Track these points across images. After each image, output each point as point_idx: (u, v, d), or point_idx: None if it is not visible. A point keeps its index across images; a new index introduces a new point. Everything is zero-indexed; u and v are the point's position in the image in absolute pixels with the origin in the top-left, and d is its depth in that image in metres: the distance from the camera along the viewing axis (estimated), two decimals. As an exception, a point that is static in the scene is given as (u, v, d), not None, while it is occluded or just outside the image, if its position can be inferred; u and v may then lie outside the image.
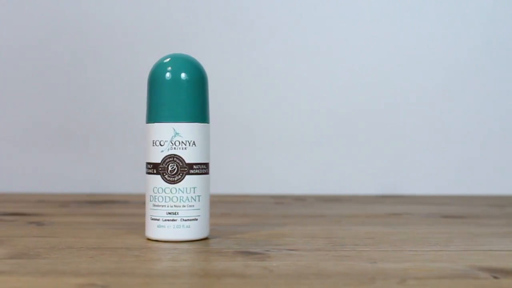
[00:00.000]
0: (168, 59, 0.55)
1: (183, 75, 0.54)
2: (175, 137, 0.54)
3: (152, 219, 0.54)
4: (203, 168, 0.55)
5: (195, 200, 0.54)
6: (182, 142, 0.54)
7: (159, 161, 0.54)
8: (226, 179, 0.97)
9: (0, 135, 1.02)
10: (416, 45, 1.01)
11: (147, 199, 0.55)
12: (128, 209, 0.80)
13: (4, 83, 1.03)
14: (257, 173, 1.01)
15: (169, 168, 0.54)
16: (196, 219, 0.54)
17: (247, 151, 1.01)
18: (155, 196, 0.54)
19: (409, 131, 1.01)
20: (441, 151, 1.01)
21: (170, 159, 0.54)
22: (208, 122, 0.56)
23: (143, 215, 0.73)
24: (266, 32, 1.02)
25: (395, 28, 1.02)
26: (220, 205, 0.79)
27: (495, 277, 0.40)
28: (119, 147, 1.02)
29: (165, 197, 0.54)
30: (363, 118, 1.01)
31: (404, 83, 1.02)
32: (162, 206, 0.54)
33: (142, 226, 0.62)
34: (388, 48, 1.02)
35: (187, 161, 0.54)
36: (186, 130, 0.54)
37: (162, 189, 0.54)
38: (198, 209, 0.54)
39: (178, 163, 0.54)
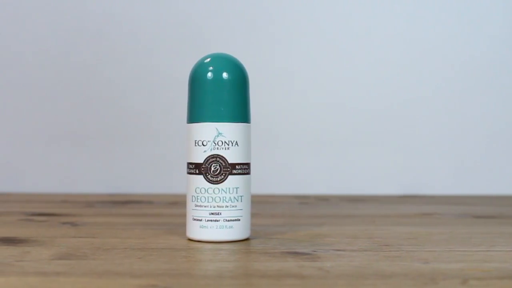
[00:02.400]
0: (208, 59, 0.55)
1: (226, 75, 0.54)
2: (218, 137, 0.53)
3: (194, 219, 0.54)
4: (245, 168, 0.55)
5: (237, 201, 0.54)
6: (225, 142, 0.53)
7: (201, 161, 0.54)
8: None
9: (16, 135, 1.02)
10: (441, 45, 1.01)
11: (189, 199, 0.55)
12: (156, 210, 0.79)
13: (26, 83, 1.02)
14: (278, 173, 1.01)
15: (212, 168, 0.53)
16: (239, 220, 0.54)
17: (268, 151, 1.00)
18: (197, 196, 0.54)
19: (429, 131, 1.01)
20: (460, 151, 1.01)
21: (213, 159, 0.53)
22: (249, 122, 0.56)
23: (174, 215, 0.73)
24: (287, 32, 1.02)
25: (416, 29, 1.02)
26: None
27: (554, 278, 0.40)
28: (137, 148, 1.01)
29: (208, 197, 0.53)
30: (384, 118, 1.01)
31: (427, 82, 1.02)
32: (205, 206, 0.53)
33: (178, 226, 0.62)
34: (409, 50, 1.01)
35: (229, 161, 0.53)
36: (229, 130, 0.54)
37: (205, 189, 0.54)
38: (241, 209, 0.54)
39: (221, 163, 0.53)
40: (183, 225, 0.61)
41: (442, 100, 1.02)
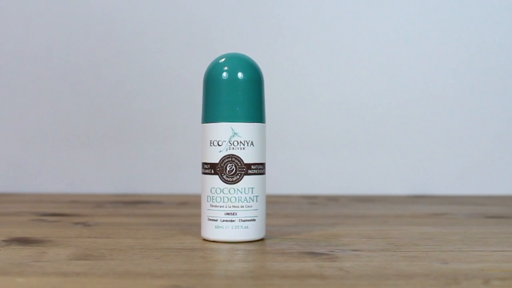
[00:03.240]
0: (223, 59, 0.55)
1: (241, 75, 0.54)
2: (233, 137, 0.53)
3: (210, 219, 0.54)
4: (260, 168, 0.55)
5: (253, 201, 0.54)
6: (240, 142, 0.53)
7: (217, 161, 0.53)
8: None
9: (24, 136, 1.02)
10: (450, 45, 1.01)
11: (204, 199, 0.54)
12: (166, 210, 0.79)
13: (35, 84, 1.02)
14: (286, 173, 1.01)
15: (228, 168, 0.53)
16: (254, 220, 0.54)
17: (276, 151, 1.00)
18: (212, 196, 0.54)
19: (437, 131, 1.01)
20: (468, 151, 1.01)
21: (229, 159, 0.53)
22: (264, 122, 0.56)
23: (185, 215, 0.73)
24: (295, 32, 1.02)
25: (426, 30, 1.02)
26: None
27: None
28: (144, 148, 1.01)
29: (223, 197, 0.53)
30: (392, 118, 1.01)
31: (436, 82, 1.02)
32: (220, 206, 0.53)
33: (191, 226, 0.62)
34: (419, 50, 1.01)
35: (245, 161, 0.53)
36: (245, 130, 0.53)
37: (220, 189, 0.53)
38: (256, 209, 0.54)
39: (237, 163, 0.53)
40: (196, 225, 0.61)
41: (451, 100, 1.02)
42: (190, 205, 0.84)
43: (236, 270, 0.43)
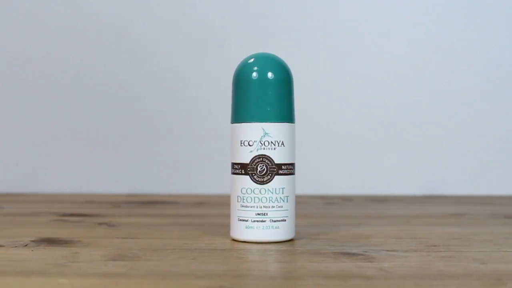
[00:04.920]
0: (253, 59, 0.55)
1: (271, 75, 0.54)
2: (264, 137, 0.53)
3: (240, 220, 0.54)
4: (290, 169, 0.54)
5: (283, 201, 0.54)
6: (271, 142, 0.53)
7: (247, 161, 0.53)
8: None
9: (35, 135, 1.01)
10: (461, 43, 1.01)
11: (234, 199, 0.54)
12: (184, 210, 0.79)
13: (47, 83, 1.02)
14: (300, 173, 1.00)
15: (258, 169, 0.53)
16: (285, 220, 0.54)
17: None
18: (243, 196, 0.53)
19: (450, 131, 1.01)
20: (478, 151, 1.01)
21: (259, 159, 0.53)
22: (294, 122, 0.55)
23: (205, 215, 0.73)
24: (308, 31, 1.02)
25: (438, 30, 1.02)
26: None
27: None
28: (153, 148, 1.01)
29: (254, 197, 0.53)
30: (405, 118, 1.01)
31: (447, 81, 1.02)
32: (251, 207, 0.53)
33: (215, 227, 0.62)
34: (430, 50, 1.01)
35: (276, 162, 0.53)
36: (275, 130, 0.53)
37: (251, 189, 0.53)
38: (287, 209, 0.54)
39: (267, 163, 0.53)
40: (220, 225, 0.61)
41: (463, 99, 1.02)
42: (207, 205, 0.84)
43: (276, 271, 0.43)
